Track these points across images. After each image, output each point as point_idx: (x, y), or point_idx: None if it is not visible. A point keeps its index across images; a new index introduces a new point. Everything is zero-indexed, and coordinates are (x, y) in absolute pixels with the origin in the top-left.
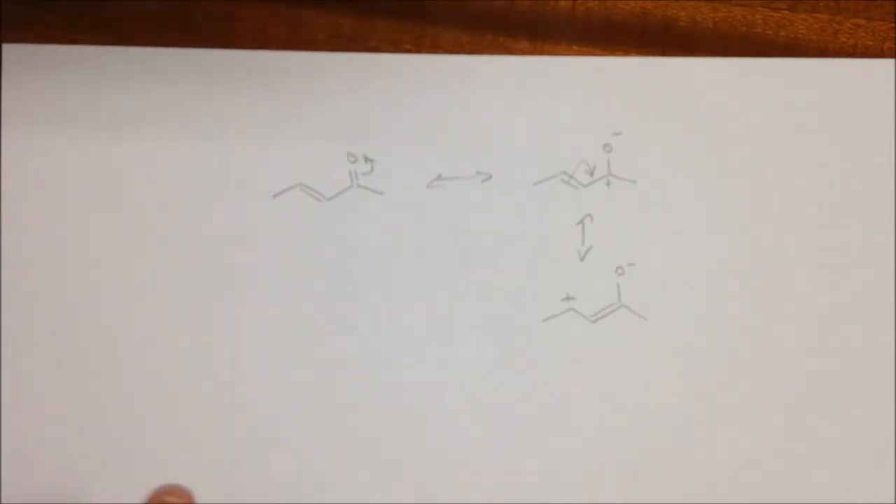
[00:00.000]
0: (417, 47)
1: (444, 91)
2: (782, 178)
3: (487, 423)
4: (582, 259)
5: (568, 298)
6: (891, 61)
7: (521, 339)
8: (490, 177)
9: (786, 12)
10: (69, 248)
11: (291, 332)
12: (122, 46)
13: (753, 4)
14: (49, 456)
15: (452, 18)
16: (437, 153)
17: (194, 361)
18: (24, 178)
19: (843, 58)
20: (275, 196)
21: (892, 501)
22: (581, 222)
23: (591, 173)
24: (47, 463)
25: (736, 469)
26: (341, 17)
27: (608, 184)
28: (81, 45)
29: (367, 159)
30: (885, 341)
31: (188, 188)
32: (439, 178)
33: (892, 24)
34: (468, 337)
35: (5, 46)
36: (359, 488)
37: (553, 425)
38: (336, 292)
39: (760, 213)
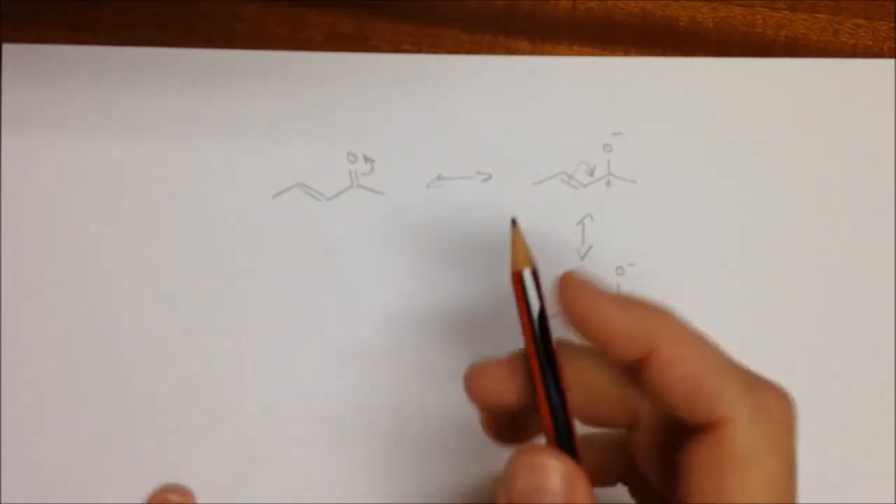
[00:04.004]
0: (417, 47)
1: (444, 91)
2: (782, 177)
3: None
4: (582, 259)
5: None
6: (891, 61)
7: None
8: (490, 177)
9: (786, 12)
10: (69, 247)
11: (292, 331)
12: (122, 46)
13: (753, 4)
14: (49, 456)
15: (452, 18)
16: (437, 153)
17: (194, 361)
18: (24, 178)
19: (843, 58)
20: (275, 196)
21: (893, 502)
22: (581, 222)
23: (591, 173)
24: (47, 463)
25: None
26: (341, 17)
27: (608, 184)
28: (81, 45)
29: (367, 159)
30: (886, 341)
31: (188, 188)
32: (439, 178)
33: (892, 24)
34: (468, 337)
35: (5, 46)
36: (359, 488)
37: None
38: (336, 292)
39: (760, 213)
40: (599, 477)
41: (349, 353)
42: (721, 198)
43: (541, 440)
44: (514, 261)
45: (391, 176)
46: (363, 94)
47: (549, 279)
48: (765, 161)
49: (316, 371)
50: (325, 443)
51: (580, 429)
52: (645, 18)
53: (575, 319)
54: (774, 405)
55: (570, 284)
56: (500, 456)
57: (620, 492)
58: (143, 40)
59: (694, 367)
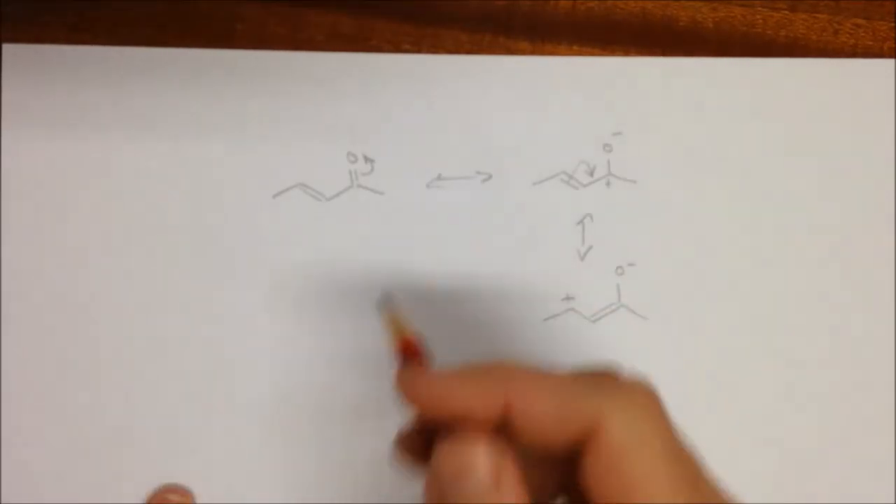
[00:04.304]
0: (417, 47)
1: (444, 91)
2: (782, 177)
3: None
4: (582, 259)
5: (568, 298)
6: (891, 61)
7: (521, 339)
8: (490, 177)
9: (786, 12)
10: (69, 247)
11: (292, 331)
12: (122, 46)
13: (753, 4)
14: (49, 456)
15: (452, 18)
16: (437, 153)
17: (195, 361)
18: (24, 177)
19: (843, 58)
20: (275, 196)
21: (893, 502)
22: (581, 222)
23: (591, 173)
24: (47, 463)
25: (735, 469)
26: (341, 17)
27: (608, 184)
28: (81, 45)
29: (367, 159)
30: (886, 341)
31: (188, 188)
32: (439, 178)
33: (892, 24)
34: (469, 337)
35: (5, 46)
36: (359, 489)
37: None
38: (336, 292)
39: (760, 213)
40: (538, 490)
41: (350, 352)
42: (721, 197)
43: None
44: (396, 335)
45: (391, 176)
46: (363, 94)
47: (548, 280)
48: (765, 161)
49: (317, 371)
50: (328, 443)
51: None
52: (645, 18)
53: (427, 407)
54: (640, 396)
55: (409, 378)
56: None
57: None
58: (143, 40)
59: (548, 395)
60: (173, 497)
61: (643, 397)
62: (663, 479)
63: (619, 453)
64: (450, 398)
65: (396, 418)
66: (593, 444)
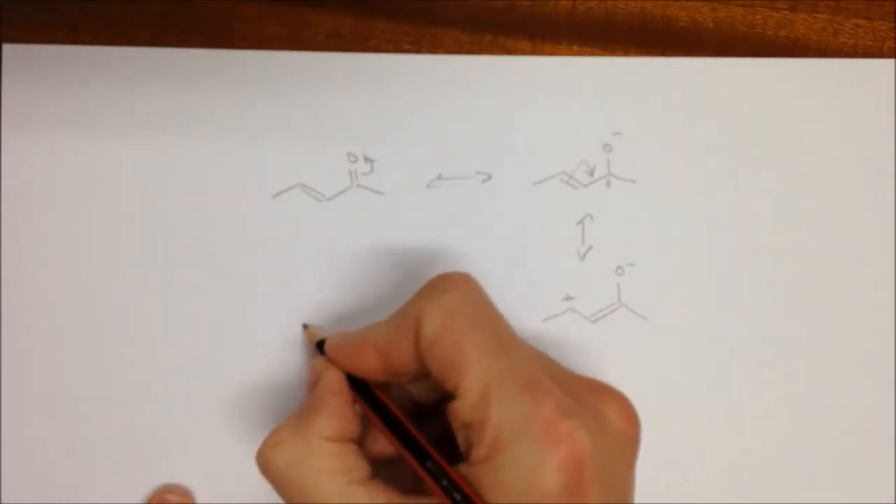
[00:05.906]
0: (417, 47)
1: (444, 91)
2: (782, 177)
3: None
4: (582, 259)
5: (568, 298)
6: (891, 61)
7: None
8: (490, 177)
9: (786, 12)
10: (69, 248)
11: (291, 331)
12: (122, 46)
13: (753, 4)
14: (49, 456)
15: (452, 18)
16: (437, 153)
17: (194, 361)
18: (24, 178)
19: (843, 58)
20: (275, 196)
21: (893, 501)
22: (581, 222)
23: (591, 173)
24: (47, 463)
25: (735, 469)
26: (341, 17)
27: (608, 184)
28: (81, 45)
29: (367, 159)
30: (886, 341)
31: (188, 188)
32: (439, 178)
33: (892, 24)
34: None
35: (5, 46)
36: None
37: None
38: (336, 292)
39: (760, 213)
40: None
41: None
42: (721, 198)
43: None
44: (311, 340)
45: (391, 176)
46: (363, 94)
47: (548, 280)
48: (764, 161)
49: None
50: None
51: None
52: (644, 18)
53: (338, 364)
54: (447, 283)
55: (330, 346)
56: None
57: None
58: (143, 40)
59: (385, 325)
60: (173, 497)
61: (449, 283)
62: (469, 346)
63: (432, 339)
64: (343, 358)
65: None
66: (419, 340)
